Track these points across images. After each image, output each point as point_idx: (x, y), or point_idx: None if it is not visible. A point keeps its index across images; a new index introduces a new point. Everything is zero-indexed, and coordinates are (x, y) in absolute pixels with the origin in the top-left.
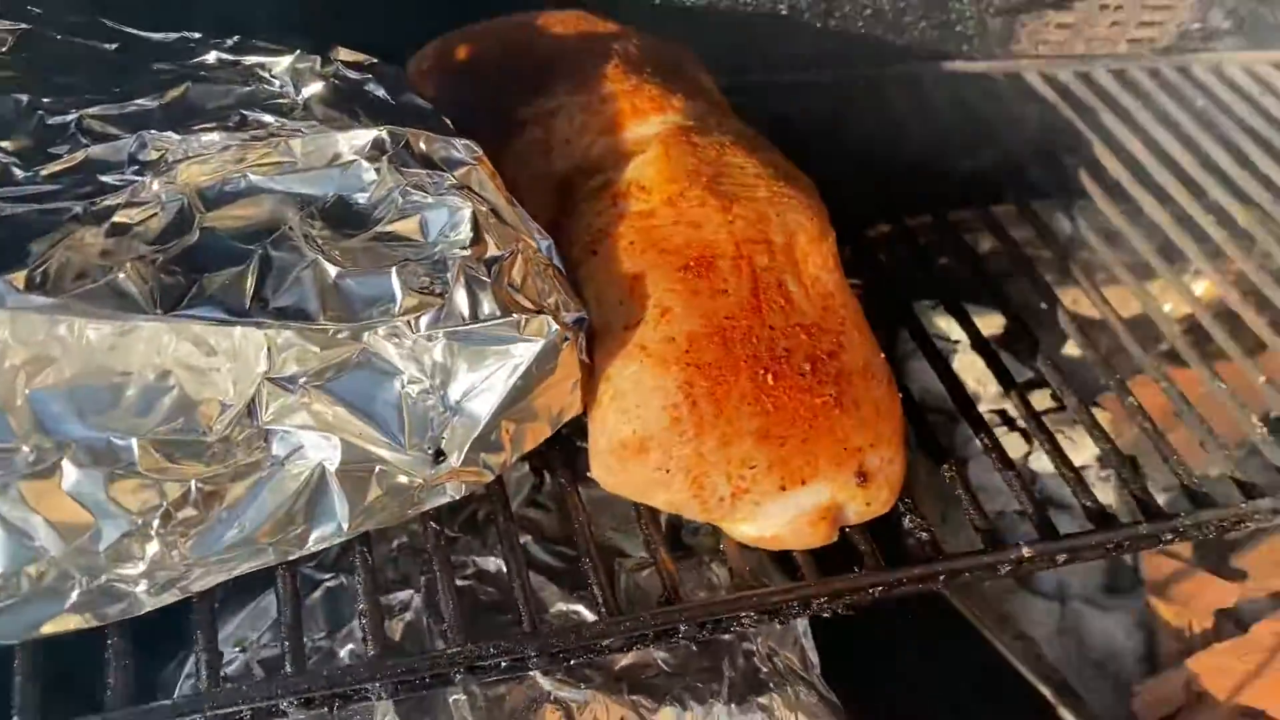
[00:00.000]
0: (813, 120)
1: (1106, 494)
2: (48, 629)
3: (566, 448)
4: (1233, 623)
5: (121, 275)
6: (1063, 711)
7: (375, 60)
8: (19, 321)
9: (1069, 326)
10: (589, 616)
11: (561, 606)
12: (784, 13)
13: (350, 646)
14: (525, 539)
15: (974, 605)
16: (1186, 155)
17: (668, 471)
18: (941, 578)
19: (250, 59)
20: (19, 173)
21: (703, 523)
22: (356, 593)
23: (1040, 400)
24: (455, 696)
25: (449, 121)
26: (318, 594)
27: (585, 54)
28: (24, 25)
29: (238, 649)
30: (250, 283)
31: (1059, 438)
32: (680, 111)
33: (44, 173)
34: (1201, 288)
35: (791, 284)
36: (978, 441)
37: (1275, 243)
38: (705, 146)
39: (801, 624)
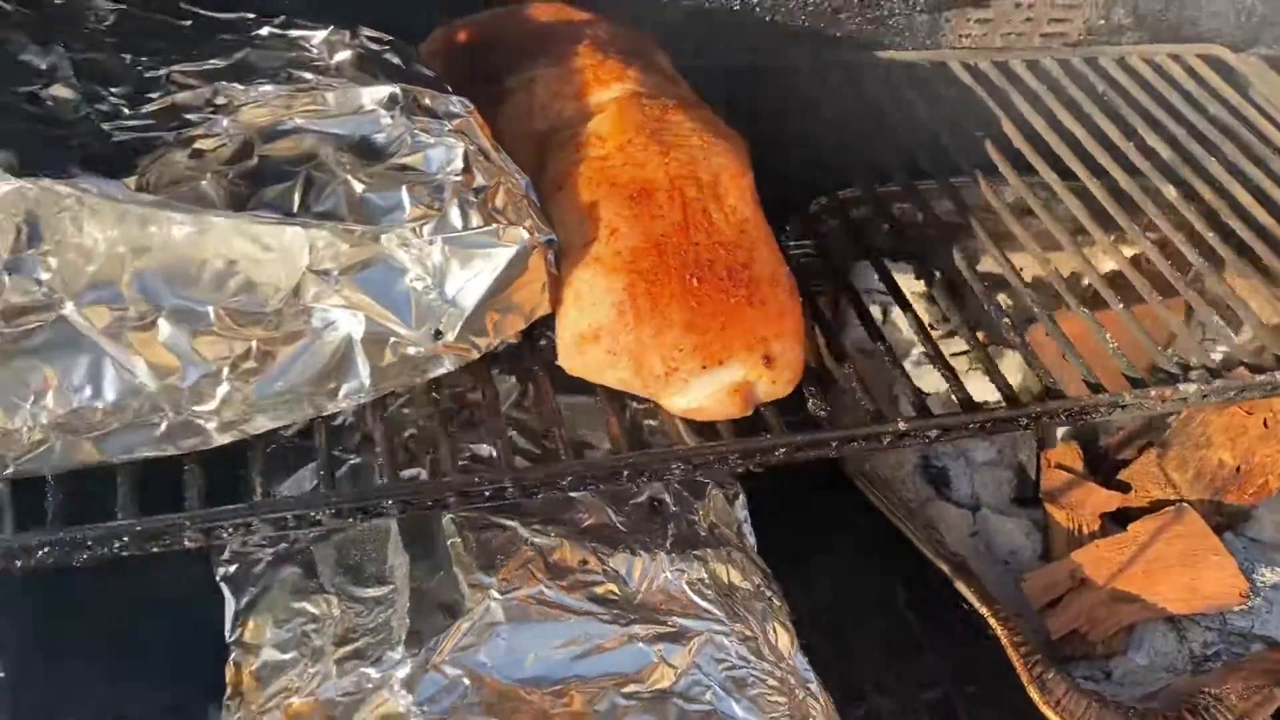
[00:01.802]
0: (761, 101)
1: None
2: (141, 452)
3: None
4: (1116, 524)
5: (204, 183)
6: (958, 585)
7: (392, 38)
8: (127, 219)
9: (976, 284)
10: None
11: None
12: (736, 7)
13: None
14: (511, 432)
15: (891, 504)
16: (1087, 136)
17: (615, 354)
18: (834, 443)
19: (294, 33)
20: (126, 111)
21: (644, 396)
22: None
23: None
24: (452, 540)
25: (449, 86)
26: (343, 470)
27: (561, 35)
28: (122, 6)
29: None
30: (297, 194)
31: (967, 374)
32: (635, 81)
33: (143, 111)
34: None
35: (714, 211)
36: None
37: (1157, 211)
38: (652, 106)
39: (742, 511)
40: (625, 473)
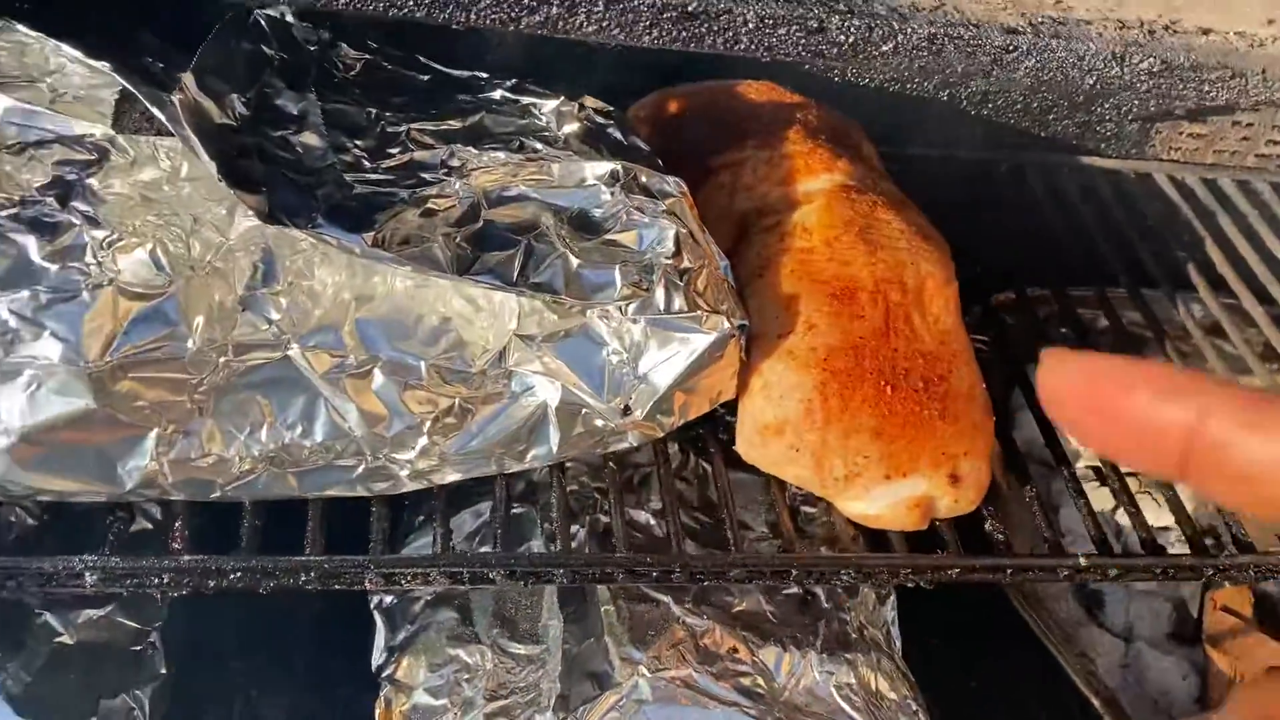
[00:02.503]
0: (957, 192)
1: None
2: (333, 491)
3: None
4: None
5: (435, 246)
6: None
7: (615, 111)
8: (355, 267)
9: None
10: None
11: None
12: (944, 99)
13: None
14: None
15: (1043, 622)
16: None
17: (797, 451)
18: (1009, 571)
19: (525, 99)
20: (367, 164)
21: (818, 496)
22: (542, 514)
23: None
24: (606, 607)
25: (660, 162)
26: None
27: (772, 117)
28: (366, 56)
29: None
30: (518, 262)
31: (1145, 498)
32: (844, 172)
33: (383, 166)
34: None
35: (917, 319)
36: (1065, 487)
37: None
38: (860, 202)
39: (890, 612)
40: (794, 572)
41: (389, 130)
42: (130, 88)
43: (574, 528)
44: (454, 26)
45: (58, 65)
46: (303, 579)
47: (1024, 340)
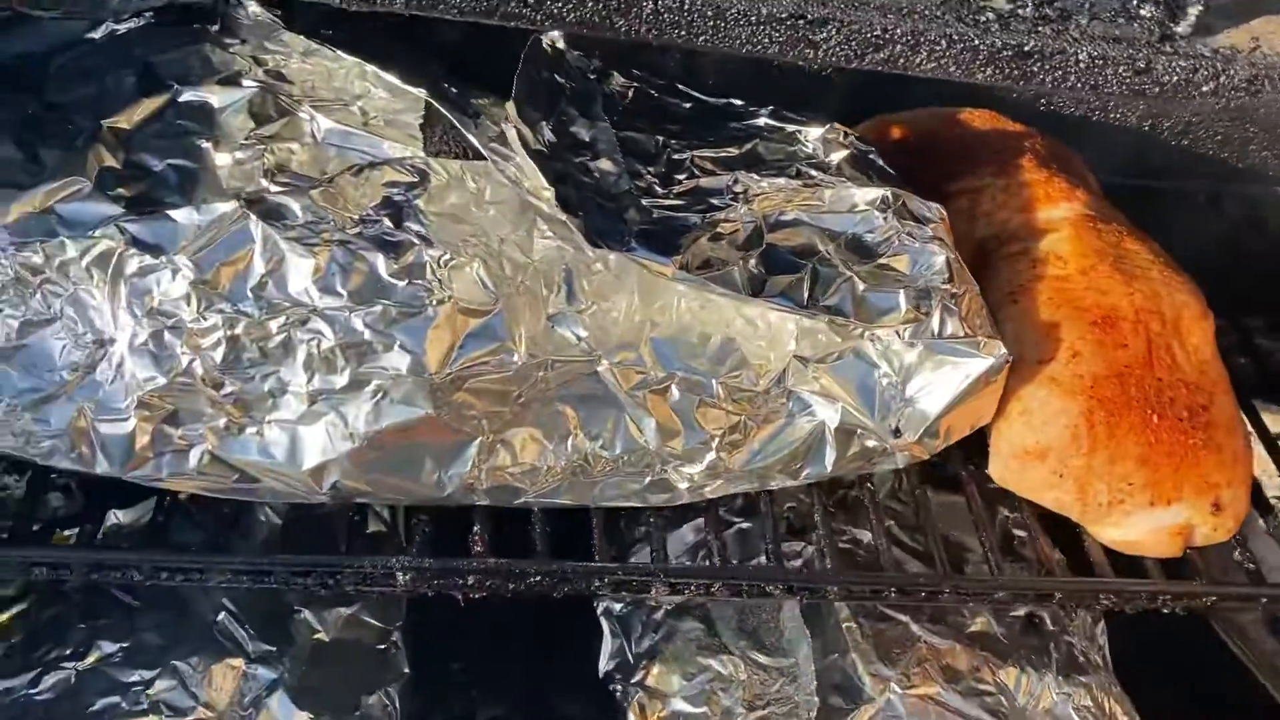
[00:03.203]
0: (1149, 221)
1: None
2: (617, 501)
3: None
4: None
5: (734, 270)
6: None
7: (862, 135)
8: (643, 289)
9: None
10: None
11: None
12: (1146, 129)
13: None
14: (889, 522)
15: (1253, 655)
16: None
17: (1061, 476)
18: (1264, 600)
19: (790, 127)
20: (659, 189)
21: (1077, 521)
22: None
23: None
24: (848, 624)
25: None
26: (730, 533)
27: (1002, 145)
28: (635, 84)
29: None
30: (806, 286)
31: None
32: (1083, 202)
33: (674, 191)
34: None
35: (1177, 349)
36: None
37: None
38: (1107, 232)
39: (1102, 636)
40: (1057, 595)
41: (675, 157)
42: (444, 112)
43: (798, 544)
44: (800, 64)
45: (363, 89)
46: (595, 585)
47: (1238, 368)
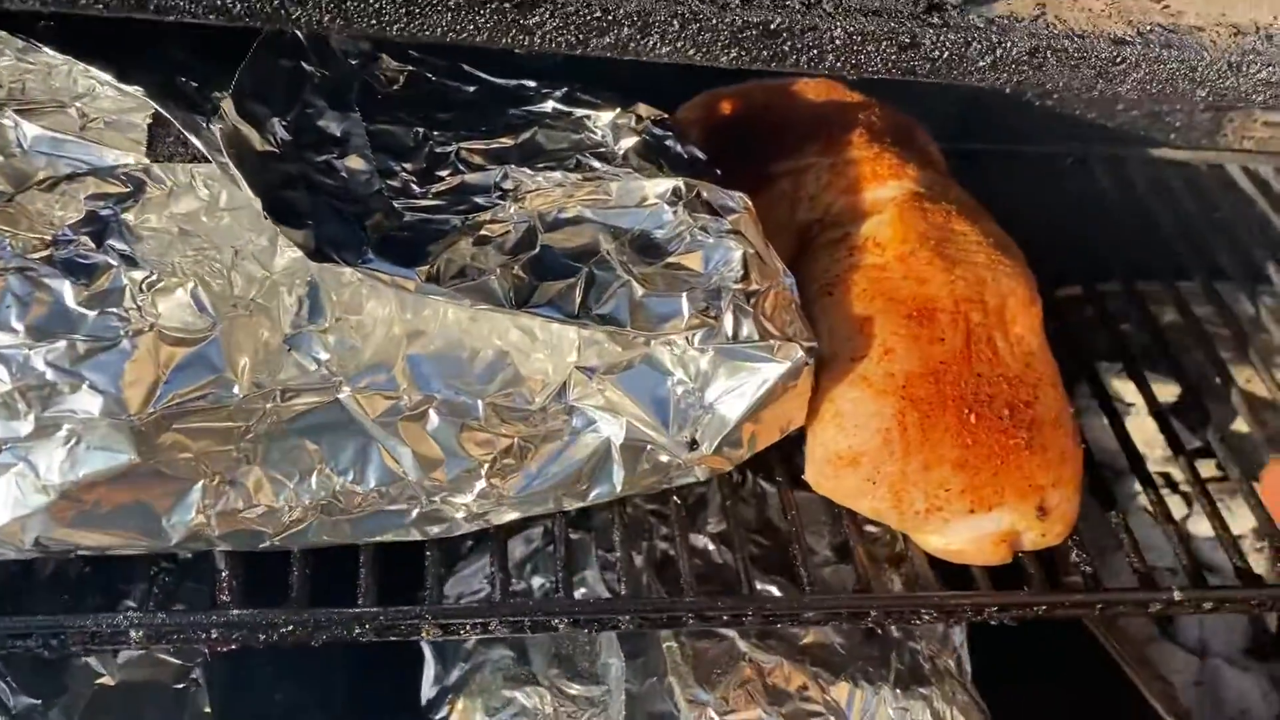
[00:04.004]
0: (1019, 186)
1: (1259, 564)
2: (386, 537)
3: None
4: None
5: (491, 279)
6: None
7: (667, 117)
8: (406, 299)
9: (1240, 403)
10: (777, 594)
11: (759, 585)
12: (1007, 91)
13: (583, 590)
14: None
15: (1116, 640)
16: None
17: (874, 483)
18: (1099, 607)
19: (579, 111)
20: (415, 189)
21: (895, 529)
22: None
23: (1205, 469)
24: (668, 644)
25: (719, 173)
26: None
27: (834, 121)
28: (410, 67)
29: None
30: (579, 292)
31: (1218, 505)
32: (914, 179)
33: (432, 191)
34: None
35: (999, 340)
36: (1142, 498)
37: None
38: (934, 212)
39: (959, 636)
40: (872, 614)
41: (437, 150)
42: (165, 114)
43: (633, 555)
44: (516, 51)
45: (86, 88)
46: (357, 631)
47: (1092, 335)
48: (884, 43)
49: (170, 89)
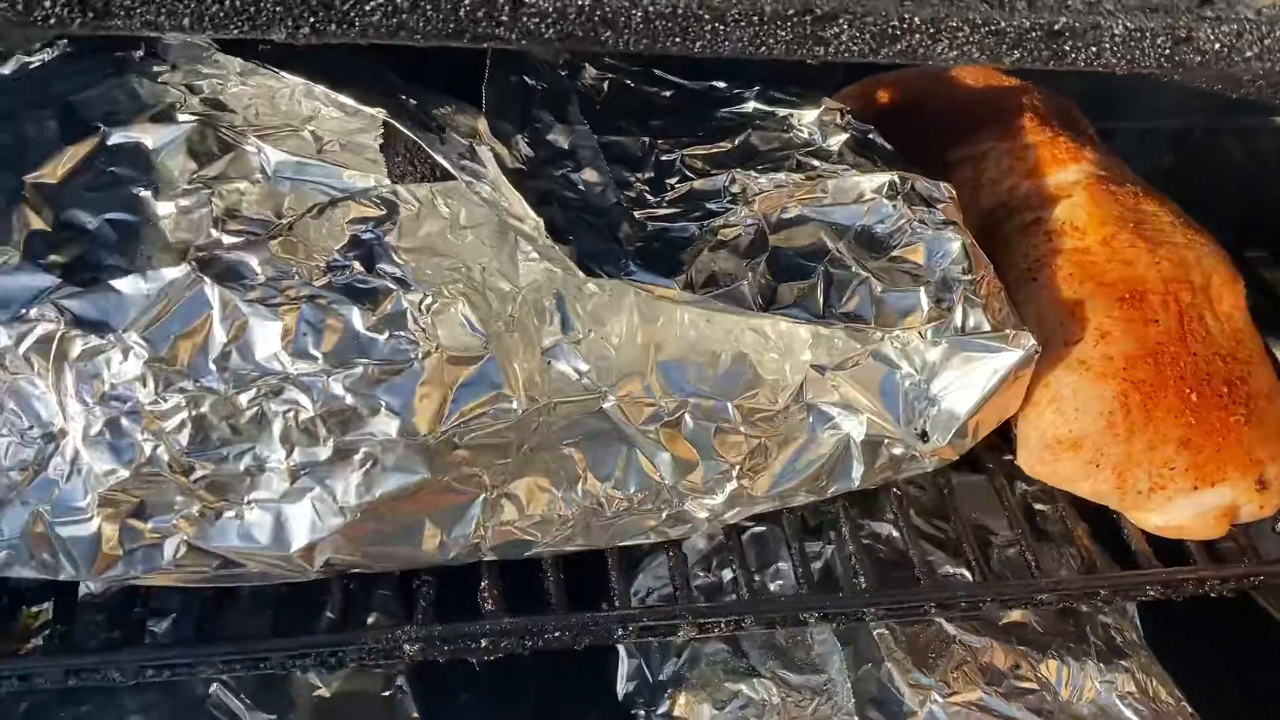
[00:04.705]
0: (1157, 160)
1: None
2: (633, 540)
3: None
4: None
5: (743, 285)
6: None
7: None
8: (641, 309)
9: None
10: (969, 577)
11: (948, 569)
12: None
13: (779, 582)
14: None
15: None
16: None
17: (1097, 466)
18: None
19: (781, 110)
20: (650, 198)
21: (1115, 509)
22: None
23: None
24: (879, 631)
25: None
26: (744, 537)
27: (1002, 106)
28: (609, 75)
29: None
30: (820, 292)
31: None
32: (1092, 162)
33: (666, 199)
34: None
35: (1210, 319)
36: None
37: None
38: (1123, 195)
39: (1132, 609)
40: (1103, 592)
41: (663, 159)
42: (406, 132)
43: (820, 545)
44: (809, 62)
45: (312, 110)
46: (620, 633)
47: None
48: (1160, 38)
49: (398, 108)
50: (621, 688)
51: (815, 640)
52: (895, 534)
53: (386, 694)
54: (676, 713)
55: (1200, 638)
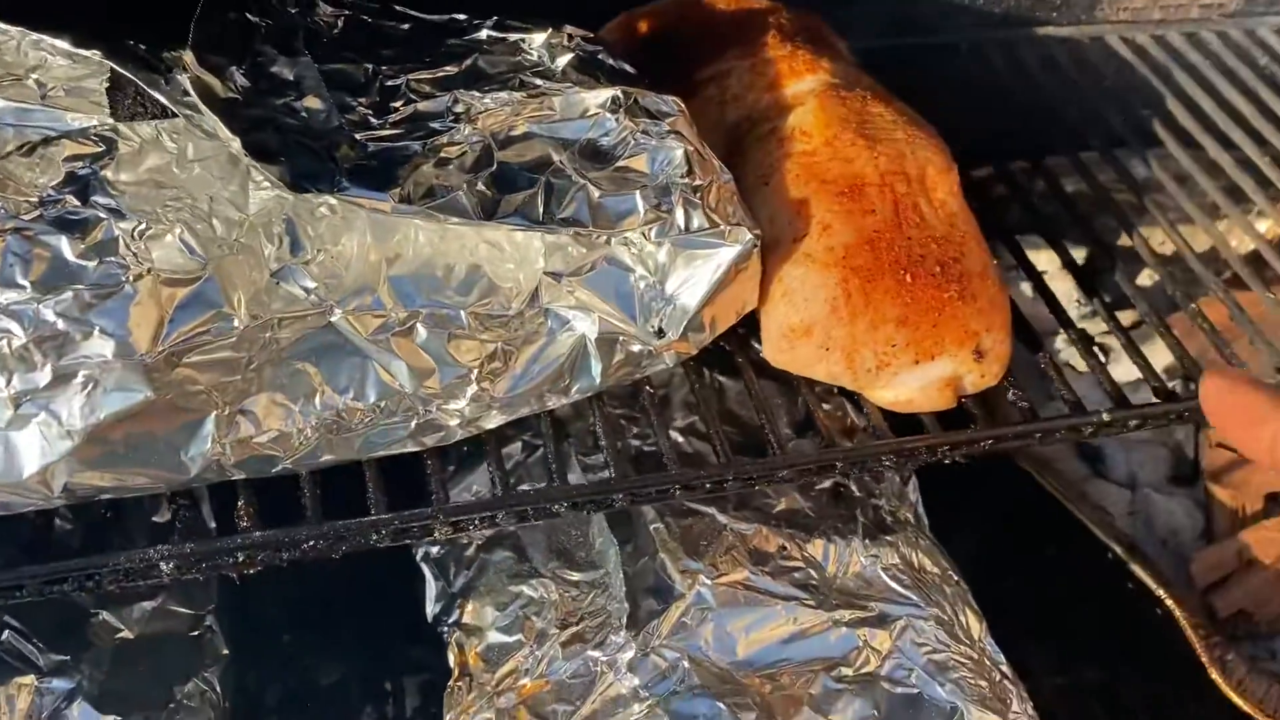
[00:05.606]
0: (924, 76)
1: None
2: (388, 450)
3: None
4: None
5: (460, 195)
6: (1133, 567)
7: (601, 38)
8: (376, 228)
9: (1146, 255)
10: None
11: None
12: None
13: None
14: (692, 418)
15: (1057, 484)
16: (1249, 107)
17: (827, 349)
18: (1038, 435)
19: (512, 35)
20: (373, 121)
21: (851, 389)
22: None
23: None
24: (654, 525)
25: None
26: (534, 458)
27: (748, 26)
28: (345, 11)
29: None
30: (540, 201)
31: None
32: (828, 71)
33: (389, 121)
34: (1265, 225)
35: (924, 206)
36: (1066, 352)
37: None
38: (851, 99)
39: (914, 494)
40: (839, 465)
41: (388, 84)
42: (124, 73)
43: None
44: None
45: (38, 59)
46: (374, 538)
47: (1005, 209)
48: None
49: (124, 51)
50: (430, 609)
51: (595, 540)
52: (683, 439)
53: (195, 633)
54: (465, 620)
55: (984, 513)
